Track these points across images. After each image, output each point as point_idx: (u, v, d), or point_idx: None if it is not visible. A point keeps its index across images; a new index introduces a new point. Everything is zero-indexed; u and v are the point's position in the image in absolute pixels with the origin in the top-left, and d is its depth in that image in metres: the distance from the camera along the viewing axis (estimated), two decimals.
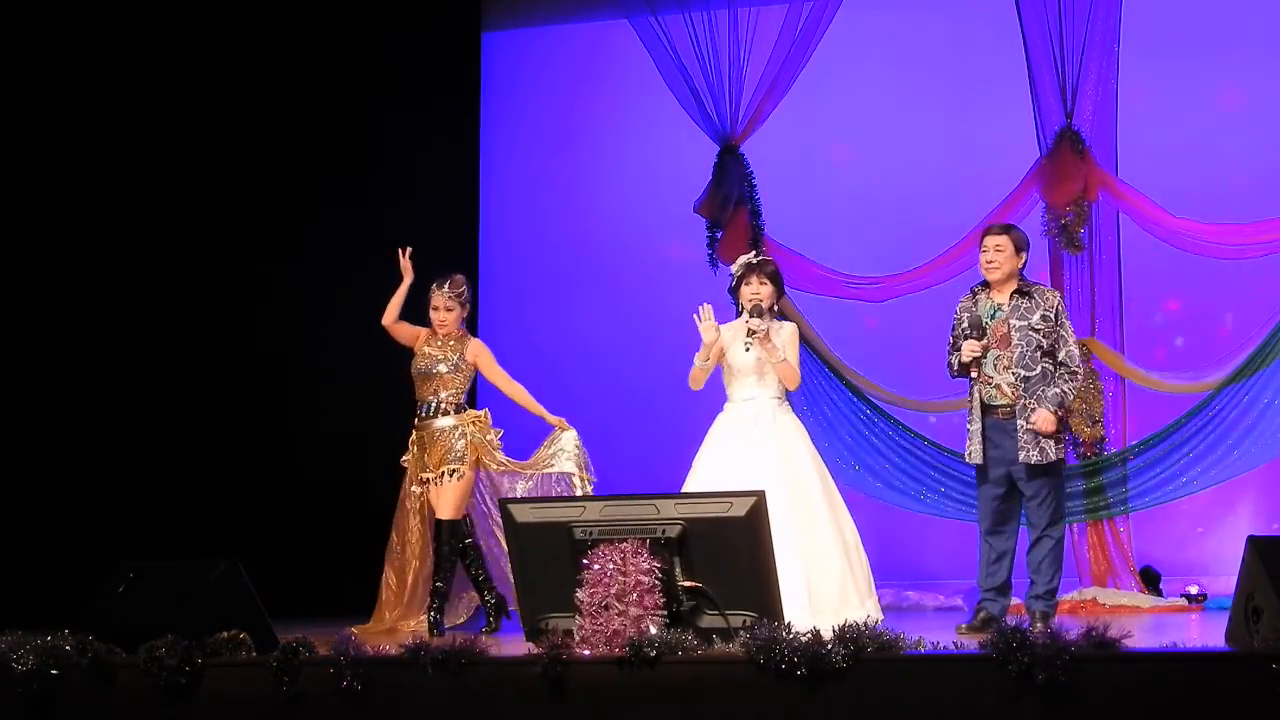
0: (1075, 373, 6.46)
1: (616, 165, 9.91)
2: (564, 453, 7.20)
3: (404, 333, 7.25)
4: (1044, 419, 6.32)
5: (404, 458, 7.23)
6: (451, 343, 7.15)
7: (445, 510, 7.01)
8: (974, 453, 6.47)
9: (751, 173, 9.09)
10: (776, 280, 6.61)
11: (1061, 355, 6.42)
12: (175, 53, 9.10)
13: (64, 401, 8.57)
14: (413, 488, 7.20)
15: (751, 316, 6.45)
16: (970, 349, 6.40)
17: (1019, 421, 6.35)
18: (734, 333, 6.55)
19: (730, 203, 9.03)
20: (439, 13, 9.89)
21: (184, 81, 9.17)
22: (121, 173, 8.90)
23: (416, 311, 7.22)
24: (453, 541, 7.00)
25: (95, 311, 8.71)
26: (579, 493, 7.09)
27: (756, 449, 6.33)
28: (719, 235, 9.05)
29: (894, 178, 9.27)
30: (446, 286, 7.15)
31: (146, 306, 8.98)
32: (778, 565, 5.67)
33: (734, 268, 6.70)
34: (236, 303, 9.15)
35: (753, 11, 9.05)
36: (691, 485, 6.38)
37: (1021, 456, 6.34)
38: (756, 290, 6.51)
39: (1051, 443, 6.33)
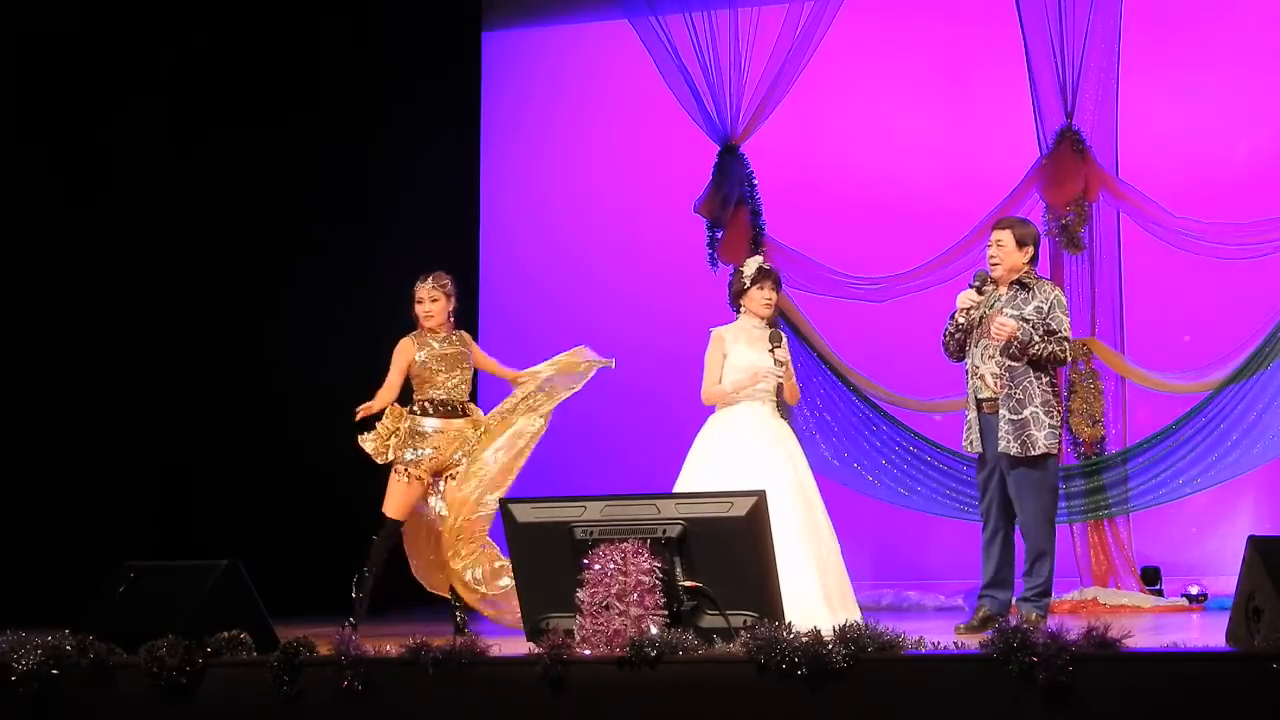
0: (1065, 345, 6.33)
1: (616, 165, 9.91)
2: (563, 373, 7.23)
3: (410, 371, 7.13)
4: (1006, 324, 6.23)
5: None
6: (453, 338, 7.08)
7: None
8: (973, 441, 6.47)
9: (751, 173, 9.08)
10: (780, 288, 6.65)
11: (1057, 332, 6.32)
12: (170, 52, 9.11)
13: (64, 402, 8.56)
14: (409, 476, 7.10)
15: (769, 324, 6.47)
16: (966, 298, 6.38)
17: (1002, 412, 6.32)
18: (735, 334, 6.53)
19: (730, 203, 9.03)
20: (439, 13, 9.89)
21: (182, 81, 9.17)
22: (124, 178, 8.89)
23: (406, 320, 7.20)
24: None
25: (97, 315, 8.70)
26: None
27: (763, 450, 6.30)
28: (719, 235, 9.04)
29: (894, 178, 9.27)
30: (430, 280, 6.97)
31: (148, 309, 8.97)
32: (792, 565, 5.66)
33: (747, 270, 6.58)
34: (238, 306, 9.14)
35: (753, 11, 9.05)
36: (687, 485, 6.29)
37: (1001, 447, 6.31)
38: (769, 296, 6.50)
39: (1039, 435, 6.25)
